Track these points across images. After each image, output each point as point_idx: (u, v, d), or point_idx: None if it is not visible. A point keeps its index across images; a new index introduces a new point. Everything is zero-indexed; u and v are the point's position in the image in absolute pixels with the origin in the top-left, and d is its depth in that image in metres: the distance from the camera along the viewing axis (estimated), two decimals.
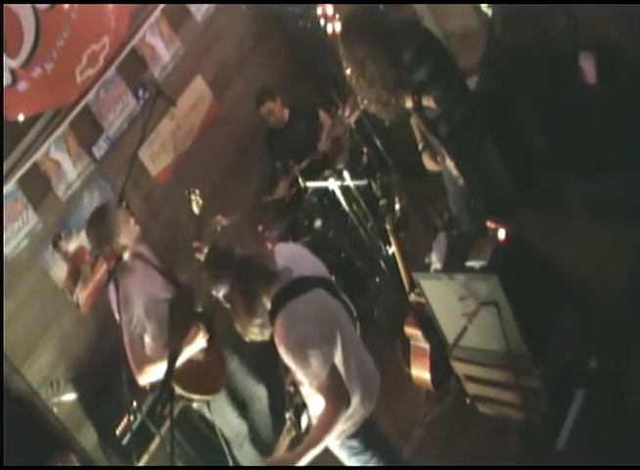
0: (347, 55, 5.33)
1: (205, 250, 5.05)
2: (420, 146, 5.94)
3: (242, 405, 6.32)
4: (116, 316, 5.63)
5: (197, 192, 6.21)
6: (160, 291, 5.85)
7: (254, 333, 4.23)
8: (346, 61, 5.38)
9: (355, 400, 4.28)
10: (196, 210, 6.17)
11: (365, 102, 5.63)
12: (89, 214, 6.04)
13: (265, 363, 5.88)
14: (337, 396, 4.12)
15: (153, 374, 5.46)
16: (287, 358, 4.11)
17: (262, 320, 4.18)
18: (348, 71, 5.43)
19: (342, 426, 4.32)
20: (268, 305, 4.17)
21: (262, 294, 4.15)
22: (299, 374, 4.17)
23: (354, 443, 4.45)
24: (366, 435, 4.45)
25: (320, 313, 4.16)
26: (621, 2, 5.29)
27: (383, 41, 5.19)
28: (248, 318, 4.20)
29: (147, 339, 5.71)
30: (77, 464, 6.31)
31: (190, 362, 5.49)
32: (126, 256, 5.71)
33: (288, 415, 4.48)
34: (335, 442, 4.47)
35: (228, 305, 4.27)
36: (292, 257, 4.40)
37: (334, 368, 4.10)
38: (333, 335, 4.15)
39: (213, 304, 5.70)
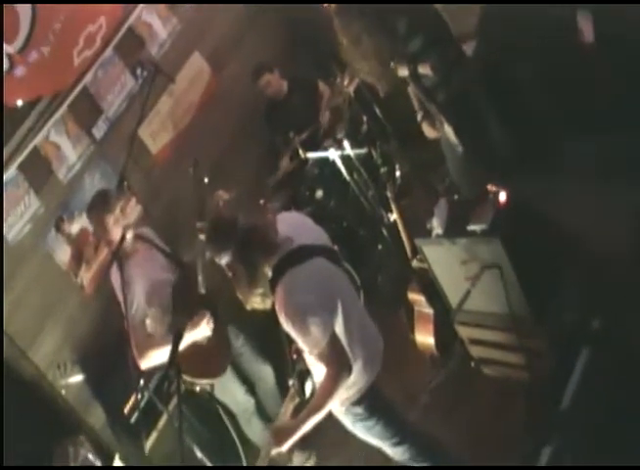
0: (342, 30, 5.32)
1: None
2: (419, 115, 5.94)
3: (248, 382, 6.33)
4: (120, 298, 5.66)
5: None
6: (162, 273, 5.89)
7: (256, 302, 4.24)
8: (341, 36, 5.37)
9: (358, 367, 4.30)
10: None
11: (361, 74, 5.64)
12: (90, 199, 6.05)
13: (271, 343, 5.84)
14: (338, 363, 4.13)
15: (154, 358, 5.48)
16: (287, 326, 4.12)
17: (264, 289, 4.19)
18: (344, 45, 5.44)
19: (346, 393, 4.35)
20: (269, 274, 4.19)
21: (264, 264, 4.17)
22: (300, 342, 4.18)
23: (359, 409, 4.47)
24: (370, 401, 4.46)
25: (320, 282, 4.17)
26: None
27: (377, 15, 5.17)
28: (249, 287, 4.21)
29: (149, 322, 5.71)
30: (87, 445, 6.35)
31: (192, 346, 5.52)
32: (129, 236, 5.73)
33: (291, 382, 4.50)
34: (339, 408, 4.50)
35: (230, 274, 4.26)
36: (293, 226, 4.40)
37: (334, 336, 4.11)
38: (333, 303, 4.16)
39: (217, 286, 5.80)
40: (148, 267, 5.80)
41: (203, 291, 5.56)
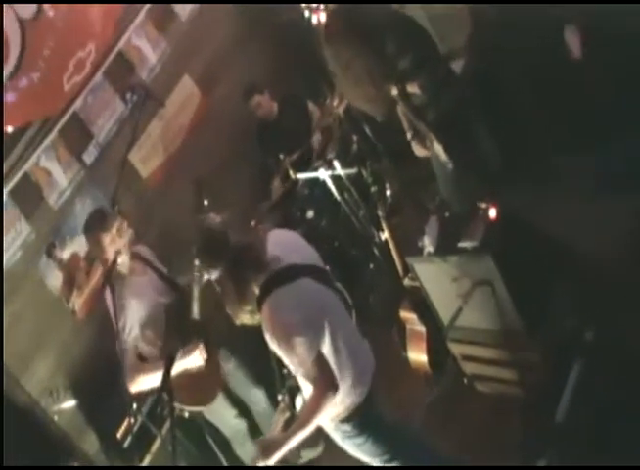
0: (332, 58, 5.34)
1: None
2: (408, 134, 5.95)
3: (240, 405, 6.26)
4: (113, 321, 5.62)
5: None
6: (157, 296, 5.84)
7: (245, 318, 4.27)
8: (332, 64, 5.39)
9: (346, 386, 4.28)
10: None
11: (356, 102, 5.66)
12: (85, 220, 6.00)
13: (263, 366, 5.84)
14: (323, 382, 4.13)
15: (144, 383, 5.47)
16: (273, 345, 4.14)
17: (252, 307, 4.20)
18: (335, 75, 5.46)
19: (334, 410, 4.33)
20: (257, 291, 4.20)
21: (252, 282, 4.19)
22: (286, 360, 4.20)
23: (347, 427, 4.44)
24: (359, 419, 4.43)
25: (306, 302, 4.16)
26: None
27: (366, 39, 5.19)
28: (238, 304, 4.25)
29: (144, 346, 5.71)
30: None
31: (183, 374, 5.46)
32: (121, 260, 5.70)
33: (280, 397, 4.54)
34: (328, 424, 4.48)
35: (219, 289, 4.31)
36: (283, 244, 4.39)
37: (320, 355, 4.12)
38: (319, 323, 4.15)
39: (210, 310, 5.78)
40: (143, 290, 5.75)
41: (196, 317, 5.54)
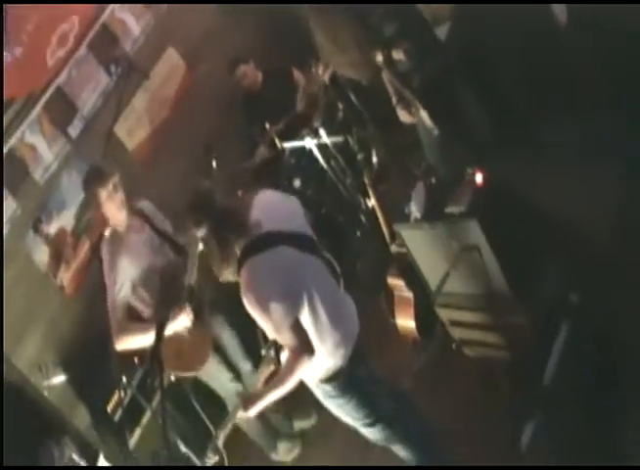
0: (319, 27, 5.31)
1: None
2: (394, 100, 5.93)
3: (235, 368, 6.22)
4: (105, 277, 5.63)
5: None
6: (152, 254, 5.81)
7: (228, 276, 4.31)
8: (318, 33, 5.36)
9: (326, 349, 4.31)
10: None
11: (343, 68, 5.64)
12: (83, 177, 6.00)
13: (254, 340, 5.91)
14: (299, 347, 4.16)
15: (131, 343, 5.47)
16: (250, 310, 4.14)
17: (234, 267, 4.24)
18: (321, 44, 5.44)
19: (315, 370, 4.37)
20: (238, 254, 4.23)
21: (234, 244, 4.22)
22: (261, 325, 4.21)
23: (328, 387, 4.47)
24: (341, 382, 4.45)
25: (282, 270, 4.17)
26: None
27: (352, 7, 5.17)
28: (221, 263, 4.30)
29: (136, 303, 5.73)
30: (72, 446, 6.33)
31: (172, 338, 5.40)
32: (119, 216, 5.68)
33: (264, 351, 4.57)
34: (311, 381, 4.53)
35: (205, 247, 4.43)
36: (267, 209, 4.38)
37: (296, 322, 4.13)
38: (295, 291, 4.16)
39: (205, 279, 5.77)
40: (137, 248, 5.74)
41: (191, 282, 5.54)
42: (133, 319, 5.74)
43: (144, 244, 5.81)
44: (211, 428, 5.93)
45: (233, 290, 4.32)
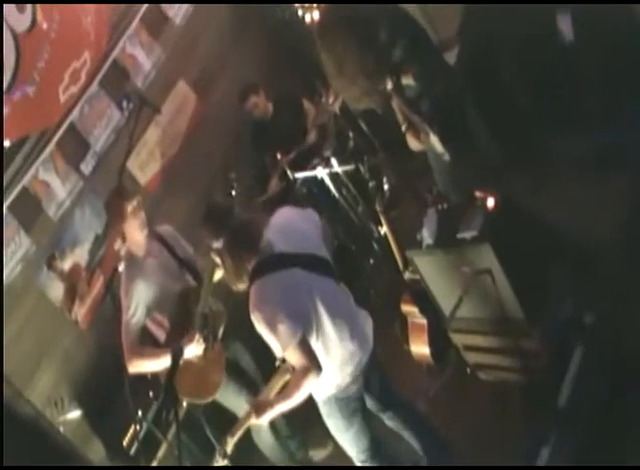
0: (326, 58, 5.33)
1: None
2: (403, 127, 5.94)
3: (252, 385, 6.10)
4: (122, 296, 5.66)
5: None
6: (168, 280, 5.78)
7: (240, 287, 4.39)
8: (326, 64, 5.38)
9: (333, 366, 4.38)
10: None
11: (353, 103, 5.65)
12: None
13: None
14: (305, 365, 4.21)
15: (141, 367, 5.47)
16: (257, 327, 4.21)
17: (246, 282, 4.33)
18: (329, 74, 5.46)
19: (324, 387, 4.46)
20: (249, 270, 4.31)
21: (246, 262, 4.30)
22: (269, 343, 4.26)
23: (334, 406, 4.55)
24: (345, 403, 4.54)
25: (289, 293, 4.23)
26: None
27: (357, 32, 5.17)
28: (235, 274, 4.37)
29: (152, 326, 5.77)
30: None
31: (184, 365, 5.36)
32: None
33: (278, 363, 4.59)
34: (318, 397, 4.60)
35: (219, 260, 4.45)
36: (282, 229, 4.47)
37: (303, 341, 4.18)
38: (302, 313, 4.22)
39: (218, 306, 5.79)
40: (153, 273, 5.72)
41: (205, 310, 5.54)
42: (148, 343, 5.77)
43: (161, 268, 5.80)
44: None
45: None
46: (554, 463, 4.36)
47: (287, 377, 4.50)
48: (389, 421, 4.97)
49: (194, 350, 5.48)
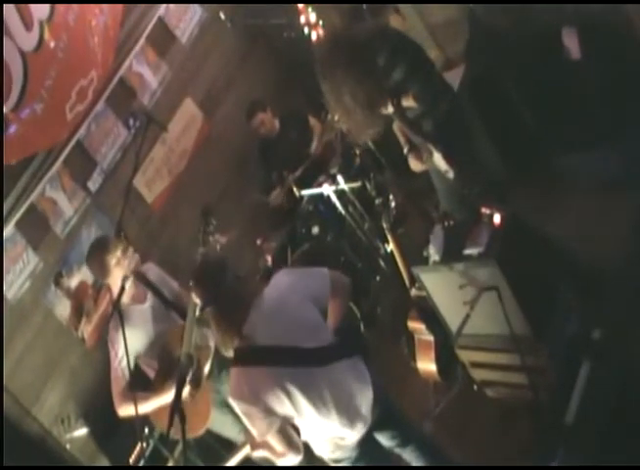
0: (326, 86, 5.34)
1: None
2: (405, 150, 5.96)
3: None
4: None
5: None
6: (155, 323, 5.75)
7: (228, 353, 4.31)
8: (326, 93, 5.39)
9: (327, 435, 4.36)
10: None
11: (356, 134, 5.67)
12: (88, 247, 5.93)
13: None
14: (284, 447, 4.23)
15: (131, 411, 5.35)
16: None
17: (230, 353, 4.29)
18: (331, 106, 5.47)
19: (328, 452, 4.46)
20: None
21: (231, 338, 4.21)
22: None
23: (346, 462, 4.51)
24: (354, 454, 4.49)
25: (266, 391, 4.10)
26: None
27: (356, 59, 5.18)
28: (221, 345, 4.32)
29: (145, 367, 5.79)
30: None
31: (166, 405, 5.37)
32: (128, 284, 5.60)
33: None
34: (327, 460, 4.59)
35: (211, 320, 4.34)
36: (269, 314, 4.26)
37: (281, 430, 4.17)
38: (279, 410, 4.12)
39: (204, 341, 5.71)
40: (139, 321, 5.70)
41: (188, 350, 5.44)
42: (143, 384, 5.76)
43: (147, 314, 5.77)
44: None
45: None
46: None
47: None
48: (407, 454, 4.82)
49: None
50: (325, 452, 4.46)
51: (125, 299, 5.65)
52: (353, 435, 4.32)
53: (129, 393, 5.50)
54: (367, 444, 4.47)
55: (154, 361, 5.72)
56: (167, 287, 5.98)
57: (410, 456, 4.74)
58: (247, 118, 8.06)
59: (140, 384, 5.75)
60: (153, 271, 6.02)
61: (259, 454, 4.46)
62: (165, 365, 5.63)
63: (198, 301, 4.24)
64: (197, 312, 4.48)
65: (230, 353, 4.28)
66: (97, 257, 5.68)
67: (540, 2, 5.90)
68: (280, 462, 4.34)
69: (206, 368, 5.62)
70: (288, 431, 4.22)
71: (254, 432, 4.15)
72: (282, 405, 4.10)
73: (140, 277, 5.85)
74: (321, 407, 4.18)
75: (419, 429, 4.90)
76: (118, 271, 5.60)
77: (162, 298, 5.87)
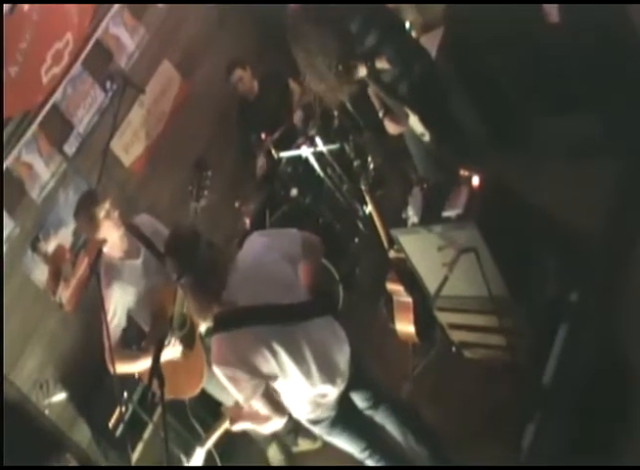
0: (299, 51, 5.32)
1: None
2: (380, 113, 5.95)
3: None
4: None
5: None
6: (149, 278, 5.67)
7: (205, 324, 4.53)
8: (299, 58, 5.37)
9: (309, 399, 4.37)
10: None
11: (328, 97, 5.66)
12: (76, 203, 5.84)
13: None
14: (270, 411, 4.26)
15: (123, 368, 5.40)
16: (220, 379, 4.19)
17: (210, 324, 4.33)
18: (303, 68, 5.45)
19: (306, 415, 4.49)
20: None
21: (209, 307, 4.18)
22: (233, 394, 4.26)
23: (317, 429, 4.59)
24: (333, 416, 4.51)
25: (250, 352, 4.09)
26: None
27: (328, 22, 5.16)
28: (198, 317, 4.37)
29: (141, 322, 5.75)
30: (74, 463, 6.32)
31: (165, 364, 5.11)
32: (111, 242, 5.54)
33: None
34: (305, 422, 4.61)
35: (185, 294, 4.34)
36: (246, 276, 4.24)
37: (266, 392, 4.18)
38: (264, 370, 4.11)
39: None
40: (133, 277, 5.64)
41: (182, 309, 5.38)
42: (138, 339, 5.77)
43: (141, 270, 5.71)
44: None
45: None
46: (540, 440, 4.39)
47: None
48: (378, 415, 4.86)
49: (171, 353, 5.45)
50: (304, 414, 4.47)
51: (118, 254, 5.61)
52: (334, 391, 4.35)
53: (121, 351, 5.50)
54: (344, 403, 4.50)
55: (147, 316, 5.68)
56: (161, 239, 5.68)
57: (381, 418, 4.78)
58: (226, 73, 7.98)
59: (135, 338, 5.80)
60: (146, 223, 5.94)
61: (240, 427, 4.50)
62: (158, 324, 5.60)
63: (172, 272, 4.18)
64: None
65: (207, 323, 4.34)
66: (85, 210, 5.57)
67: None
68: (264, 428, 4.37)
69: (202, 327, 5.54)
70: (272, 393, 4.24)
71: (240, 397, 4.14)
72: (267, 364, 4.10)
73: (133, 230, 5.77)
74: (302, 364, 4.19)
75: (390, 391, 4.90)
76: (107, 223, 5.49)
77: (156, 251, 5.76)
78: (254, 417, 4.38)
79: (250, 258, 4.34)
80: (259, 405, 4.21)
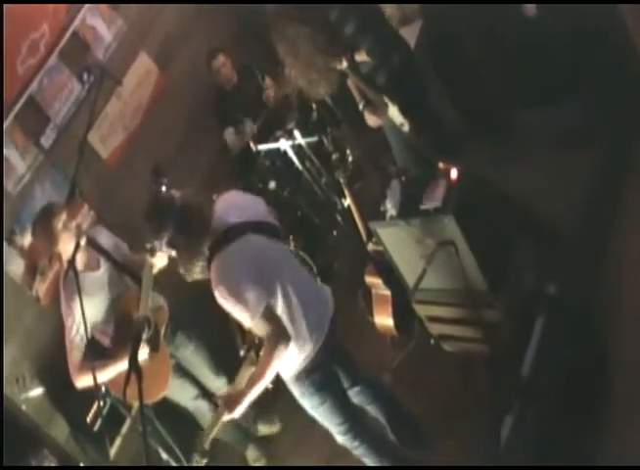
0: (279, 41, 5.32)
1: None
2: (360, 105, 5.96)
3: (200, 385, 6.16)
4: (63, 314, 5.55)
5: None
6: (109, 290, 5.64)
7: (197, 273, 4.34)
8: (281, 51, 5.38)
9: (300, 333, 4.37)
10: None
11: (310, 88, 5.65)
12: (34, 216, 5.75)
13: (224, 352, 5.96)
14: (274, 334, 4.19)
15: (89, 381, 5.24)
16: (223, 303, 4.17)
17: (204, 263, 4.27)
18: (285, 60, 5.46)
19: (293, 359, 4.42)
20: (206, 252, 4.25)
21: (200, 244, 4.23)
22: (236, 315, 4.22)
23: (305, 382, 4.53)
24: (316, 377, 4.52)
25: (252, 257, 4.23)
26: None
27: (308, 14, 5.18)
28: (191, 261, 4.31)
29: (100, 336, 5.69)
30: (51, 458, 6.27)
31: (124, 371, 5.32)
32: (83, 243, 5.44)
33: (243, 352, 4.56)
34: (288, 376, 4.58)
35: (173, 252, 4.34)
36: (230, 204, 4.46)
37: (269, 308, 4.17)
38: (266, 276, 4.22)
39: (159, 302, 5.74)
40: (94, 289, 5.56)
41: (146, 313, 5.38)
42: (97, 352, 5.62)
43: (101, 281, 5.66)
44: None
45: (195, 305, 4.30)
46: (518, 430, 4.41)
47: (252, 369, 4.45)
48: (356, 397, 4.98)
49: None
50: (298, 360, 4.47)
51: (79, 266, 5.43)
52: (308, 344, 4.41)
53: (87, 363, 5.40)
54: (329, 372, 4.62)
55: (108, 327, 5.64)
56: (119, 250, 5.88)
57: (356, 397, 4.91)
58: (207, 59, 7.96)
59: (94, 353, 5.59)
60: (103, 235, 5.90)
61: (239, 412, 4.41)
62: (122, 330, 5.58)
63: (154, 236, 4.26)
64: (162, 248, 4.43)
65: (197, 276, 4.33)
66: (41, 224, 5.52)
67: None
68: (269, 374, 4.28)
69: (163, 329, 5.59)
70: (274, 312, 4.23)
71: (245, 314, 4.13)
72: (269, 270, 4.23)
73: (91, 242, 5.70)
74: (298, 281, 4.40)
75: (364, 372, 4.99)
76: (67, 236, 5.41)
77: (115, 262, 5.77)
78: (254, 377, 4.33)
79: (228, 199, 4.57)
80: (263, 325, 4.17)
